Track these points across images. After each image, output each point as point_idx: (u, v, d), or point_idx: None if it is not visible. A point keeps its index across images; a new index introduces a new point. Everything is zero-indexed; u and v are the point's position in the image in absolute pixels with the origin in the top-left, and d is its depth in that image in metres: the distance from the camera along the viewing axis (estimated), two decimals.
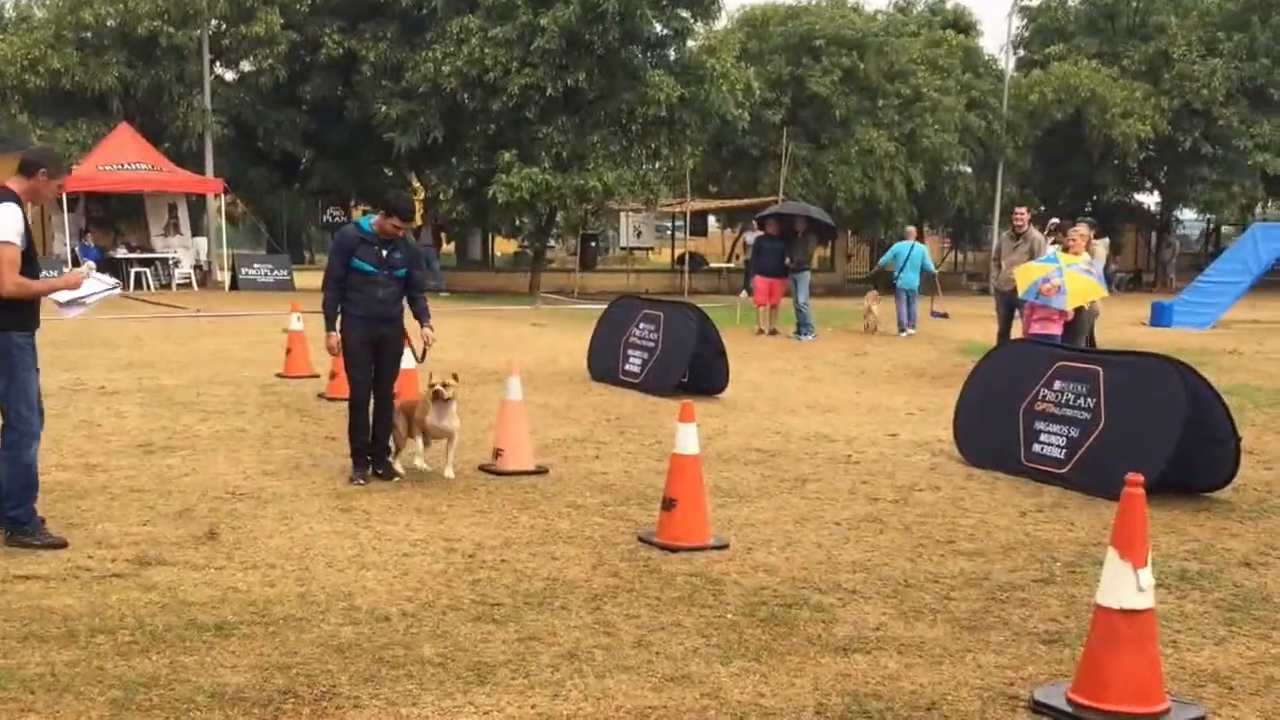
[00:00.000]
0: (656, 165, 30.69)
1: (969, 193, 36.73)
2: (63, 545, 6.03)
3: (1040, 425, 8.29)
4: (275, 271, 28.39)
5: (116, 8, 26.91)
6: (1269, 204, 45.37)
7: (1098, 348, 13.14)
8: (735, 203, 34.85)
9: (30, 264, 5.95)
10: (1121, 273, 24.51)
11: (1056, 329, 11.81)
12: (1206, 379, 7.81)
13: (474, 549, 6.23)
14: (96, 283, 6.45)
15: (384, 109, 27.59)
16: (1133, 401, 7.74)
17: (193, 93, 28.86)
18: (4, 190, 5.94)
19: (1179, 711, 4.22)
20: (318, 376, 12.13)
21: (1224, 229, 47.12)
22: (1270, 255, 23.43)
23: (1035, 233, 14.82)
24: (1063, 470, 8.04)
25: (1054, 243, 13.80)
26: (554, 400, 11.44)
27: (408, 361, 8.40)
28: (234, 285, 27.68)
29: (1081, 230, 12.99)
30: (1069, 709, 4.21)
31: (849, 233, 38.98)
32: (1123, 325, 20.97)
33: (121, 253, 27.19)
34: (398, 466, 7.98)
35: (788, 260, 18.73)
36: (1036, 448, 8.27)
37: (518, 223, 31.03)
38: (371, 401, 7.84)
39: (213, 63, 29.35)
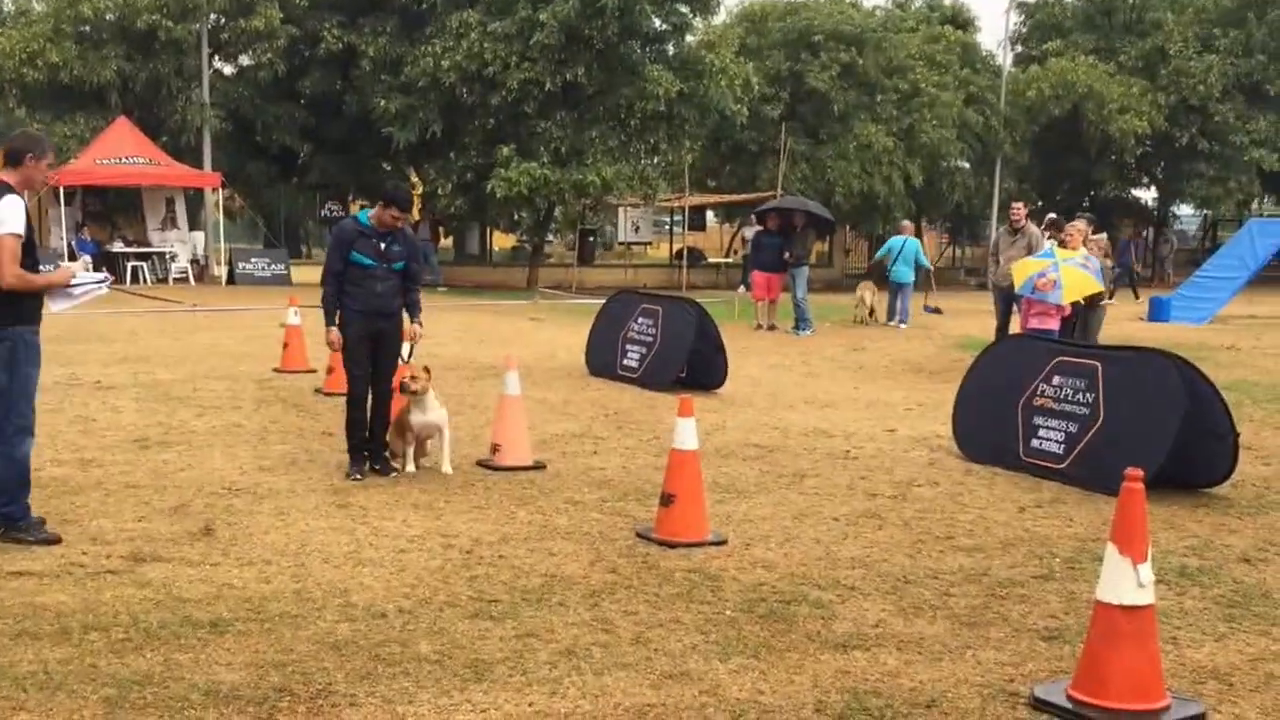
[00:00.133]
0: (655, 160, 30.66)
1: (967, 188, 36.77)
2: (56, 541, 5.99)
3: (1039, 420, 8.27)
4: (272, 266, 28.36)
5: (115, 1, 26.89)
6: (1265, 199, 45.37)
7: (1097, 343, 13.12)
8: (734, 198, 34.81)
9: (29, 257, 5.89)
10: (1118, 268, 24.50)
11: (1054, 324, 11.81)
12: (1205, 374, 7.80)
13: (471, 545, 6.20)
14: (86, 277, 6.41)
15: (383, 103, 27.58)
16: (1131, 397, 7.73)
17: (191, 87, 28.83)
18: (1, 184, 5.87)
19: (1179, 708, 4.20)
20: (314, 371, 12.09)
21: (1219, 225, 47.13)
22: (1267, 250, 23.42)
23: (1032, 228, 14.81)
24: (1061, 465, 8.03)
25: (1050, 238, 13.78)
26: (552, 395, 11.41)
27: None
28: (231, 280, 27.61)
29: (1079, 225, 12.99)
30: (1069, 705, 4.19)
31: (847, 228, 38.99)
32: (1120, 321, 20.95)
33: (118, 247, 27.11)
34: (397, 464, 7.95)
35: (786, 255, 18.70)
36: (1035, 443, 8.26)
37: (516, 217, 31.04)
38: (369, 397, 7.81)
39: (211, 57, 29.34)
